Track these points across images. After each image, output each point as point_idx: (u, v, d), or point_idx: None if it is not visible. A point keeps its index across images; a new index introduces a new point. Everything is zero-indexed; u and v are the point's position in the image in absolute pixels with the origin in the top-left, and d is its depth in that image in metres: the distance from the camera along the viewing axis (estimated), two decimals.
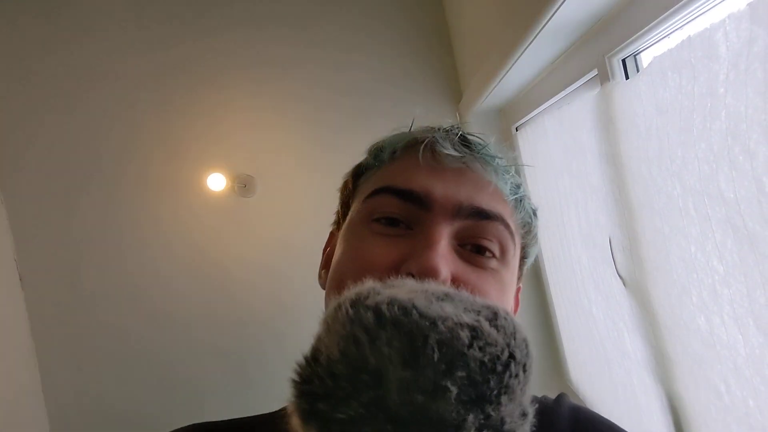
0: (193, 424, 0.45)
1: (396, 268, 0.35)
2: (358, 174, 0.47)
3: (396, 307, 0.25)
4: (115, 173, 1.50)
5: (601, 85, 0.84)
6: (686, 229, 0.65)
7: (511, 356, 0.25)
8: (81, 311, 1.47)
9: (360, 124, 1.56)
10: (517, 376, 0.25)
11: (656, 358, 0.82)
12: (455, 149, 0.40)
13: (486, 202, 0.38)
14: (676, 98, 0.62)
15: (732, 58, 0.51)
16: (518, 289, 0.48)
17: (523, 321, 1.22)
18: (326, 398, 0.25)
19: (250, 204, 1.55)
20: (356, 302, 0.26)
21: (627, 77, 0.81)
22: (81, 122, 1.49)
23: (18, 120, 1.46)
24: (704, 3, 0.59)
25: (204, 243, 1.53)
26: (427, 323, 0.24)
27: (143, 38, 1.52)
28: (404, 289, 0.28)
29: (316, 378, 0.25)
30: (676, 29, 0.67)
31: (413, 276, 0.34)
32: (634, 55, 0.79)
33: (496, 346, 0.25)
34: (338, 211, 0.49)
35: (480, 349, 0.24)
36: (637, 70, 0.80)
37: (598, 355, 1.09)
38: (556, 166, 1.10)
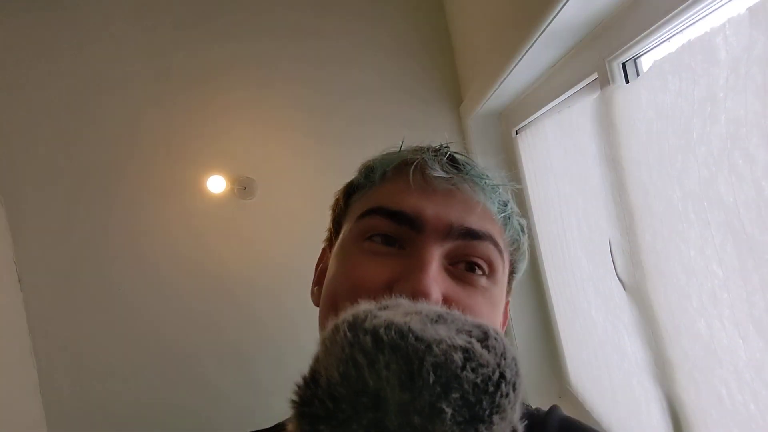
0: None
1: (389, 288, 0.36)
2: (349, 193, 0.48)
3: (393, 331, 0.26)
4: (115, 175, 1.50)
5: (601, 88, 0.84)
6: (686, 233, 0.65)
7: (502, 376, 0.26)
8: (80, 313, 1.47)
9: (360, 128, 1.56)
10: (507, 395, 0.26)
11: (656, 362, 0.82)
12: (444, 170, 0.41)
13: (475, 222, 0.39)
14: (676, 102, 0.62)
15: (732, 62, 0.51)
16: (506, 303, 0.48)
17: (523, 324, 1.22)
18: (327, 420, 0.25)
19: (250, 206, 1.55)
20: (354, 325, 0.27)
21: (627, 81, 0.81)
22: (81, 124, 1.49)
23: (18, 121, 1.47)
24: (705, 7, 0.59)
25: (203, 245, 1.52)
26: (423, 346, 0.25)
27: (145, 42, 1.53)
28: (400, 311, 0.29)
29: (316, 400, 0.26)
30: (677, 33, 0.67)
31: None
32: (635, 59, 0.80)
33: (487, 367, 0.26)
34: (330, 228, 0.50)
35: (473, 370, 0.25)
36: (638, 74, 0.80)
37: (597, 358, 1.09)
38: (556, 170, 1.10)
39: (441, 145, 0.46)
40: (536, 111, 1.19)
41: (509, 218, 0.43)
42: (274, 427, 0.47)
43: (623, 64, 0.81)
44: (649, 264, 0.77)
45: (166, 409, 1.48)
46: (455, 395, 0.24)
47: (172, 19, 1.54)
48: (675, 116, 0.63)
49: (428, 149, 0.44)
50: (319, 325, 0.41)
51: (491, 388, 0.25)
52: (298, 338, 1.43)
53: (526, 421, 0.28)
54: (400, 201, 0.40)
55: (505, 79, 1.10)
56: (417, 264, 0.37)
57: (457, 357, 0.25)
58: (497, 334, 0.28)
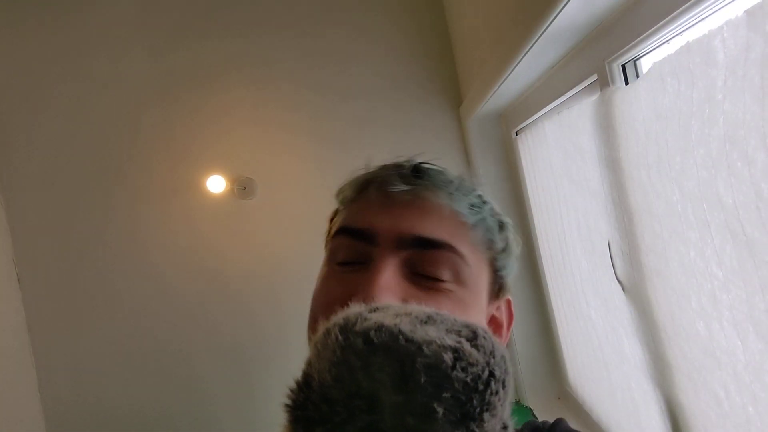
0: None
1: (347, 304, 0.38)
2: (332, 217, 0.51)
3: (384, 333, 0.26)
4: (115, 175, 1.50)
5: (601, 90, 0.84)
6: (685, 235, 0.65)
7: (492, 374, 0.26)
8: (78, 312, 1.47)
9: (360, 128, 1.56)
10: (497, 393, 0.26)
11: (655, 364, 0.82)
12: (405, 182, 0.42)
13: (430, 230, 0.40)
14: (675, 104, 0.62)
15: (730, 64, 0.51)
16: (508, 301, 0.48)
17: (523, 325, 1.21)
18: (322, 423, 0.26)
19: (250, 206, 1.55)
20: (345, 328, 0.27)
21: (627, 82, 0.81)
22: (81, 124, 1.49)
23: (19, 122, 1.47)
24: (704, 9, 0.59)
25: (203, 245, 1.53)
26: (414, 348, 0.26)
27: (145, 42, 1.53)
28: (390, 313, 0.29)
29: (310, 404, 0.26)
30: (676, 35, 0.67)
31: None
32: (634, 61, 0.80)
33: (477, 365, 0.26)
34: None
35: (463, 369, 0.26)
36: (637, 76, 0.80)
37: (597, 359, 1.09)
38: (556, 171, 1.10)
39: (408, 159, 0.47)
40: (536, 112, 1.19)
41: (483, 219, 0.44)
42: None
43: (623, 66, 0.81)
44: (648, 265, 0.77)
45: (165, 410, 1.48)
46: (446, 395, 0.25)
47: (173, 20, 1.54)
48: (674, 118, 0.63)
49: (393, 165, 0.46)
50: (307, 338, 0.43)
51: (481, 387, 0.25)
52: (297, 338, 1.43)
53: (516, 418, 0.28)
54: (359, 219, 0.43)
55: (505, 80, 1.10)
56: (369, 275, 0.39)
57: (448, 357, 0.25)
58: (486, 332, 0.28)
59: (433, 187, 0.43)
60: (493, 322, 0.47)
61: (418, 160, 0.46)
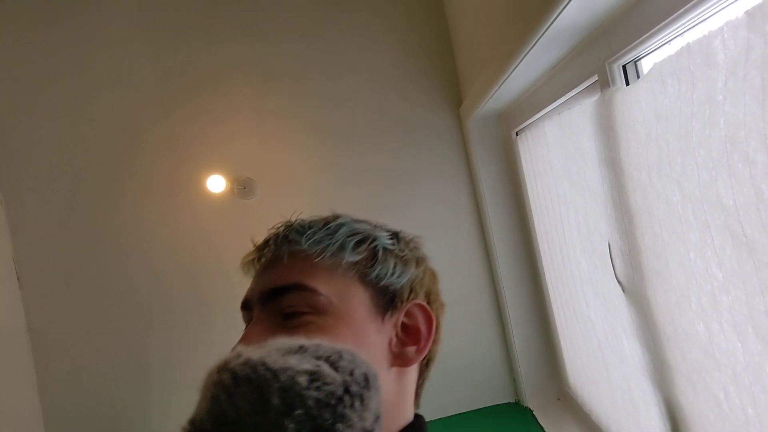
0: None
1: None
2: None
3: (248, 366, 0.31)
4: (114, 175, 1.50)
5: (602, 90, 0.84)
6: (685, 236, 0.65)
7: (347, 391, 0.31)
8: (78, 311, 1.47)
9: (360, 128, 1.56)
10: (352, 406, 0.30)
11: (655, 364, 0.82)
12: (273, 248, 0.48)
13: (276, 280, 0.45)
14: (676, 105, 0.62)
15: (730, 65, 0.51)
16: (419, 305, 0.48)
17: (523, 326, 1.21)
18: None
19: (250, 206, 1.55)
20: (221, 368, 0.32)
21: (627, 83, 0.81)
22: (81, 124, 1.49)
23: (19, 121, 1.47)
24: (704, 10, 0.59)
25: (203, 244, 1.53)
26: (270, 375, 0.30)
27: (147, 43, 1.53)
28: (265, 348, 0.33)
29: None
30: (677, 36, 0.67)
31: None
32: (635, 62, 0.80)
33: (333, 384, 0.30)
34: None
35: (317, 389, 0.30)
36: (638, 77, 0.80)
37: (596, 360, 1.09)
38: (556, 172, 1.10)
39: (284, 224, 0.52)
40: (536, 112, 1.19)
41: (328, 246, 0.47)
42: None
43: (624, 67, 0.81)
44: (648, 266, 0.77)
45: (165, 410, 1.48)
46: (299, 411, 0.29)
47: (174, 21, 1.54)
48: (674, 119, 0.63)
49: (266, 239, 0.51)
50: None
51: (333, 401, 0.30)
52: None
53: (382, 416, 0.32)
54: (245, 294, 0.49)
55: (505, 80, 1.10)
56: (245, 331, 0.45)
57: (302, 379, 0.30)
58: (351, 355, 0.33)
59: (292, 241, 0.48)
60: (407, 330, 0.47)
61: (293, 219, 0.52)
